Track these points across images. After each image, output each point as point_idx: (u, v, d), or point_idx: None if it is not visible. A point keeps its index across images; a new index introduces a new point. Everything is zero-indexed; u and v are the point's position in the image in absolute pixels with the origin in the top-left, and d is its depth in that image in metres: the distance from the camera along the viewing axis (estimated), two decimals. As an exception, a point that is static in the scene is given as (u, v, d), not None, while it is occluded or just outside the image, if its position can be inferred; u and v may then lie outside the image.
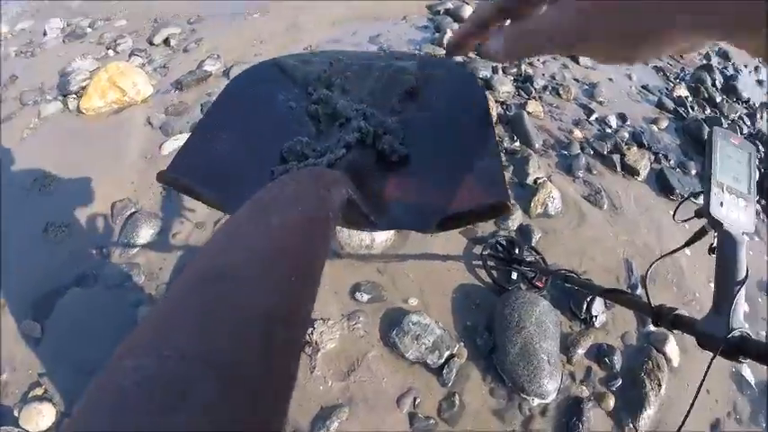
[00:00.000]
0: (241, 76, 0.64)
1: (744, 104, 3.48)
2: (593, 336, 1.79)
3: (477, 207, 0.45)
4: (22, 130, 2.64)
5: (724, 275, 0.84)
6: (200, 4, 3.92)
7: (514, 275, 1.87)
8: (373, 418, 1.57)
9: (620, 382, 1.70)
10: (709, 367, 0.82)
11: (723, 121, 3.11)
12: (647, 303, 0.99)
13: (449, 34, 3.16)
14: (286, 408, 0.23)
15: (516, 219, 2.13)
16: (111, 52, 3.31)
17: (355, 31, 3.48)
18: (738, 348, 0.77)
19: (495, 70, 3.00)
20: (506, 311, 1.72)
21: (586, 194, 2.34)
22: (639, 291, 1.93)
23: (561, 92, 3.02)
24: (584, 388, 1.68)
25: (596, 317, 1.82)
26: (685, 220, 1.08)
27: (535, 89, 2.99)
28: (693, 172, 2.61)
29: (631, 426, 1.62)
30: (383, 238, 1.95)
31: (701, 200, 0.93)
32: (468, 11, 3.59)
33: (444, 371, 1.62)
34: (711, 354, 0.80)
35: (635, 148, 2.66)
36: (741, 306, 0.81)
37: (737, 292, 0.81)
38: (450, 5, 3.74)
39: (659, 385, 1.67)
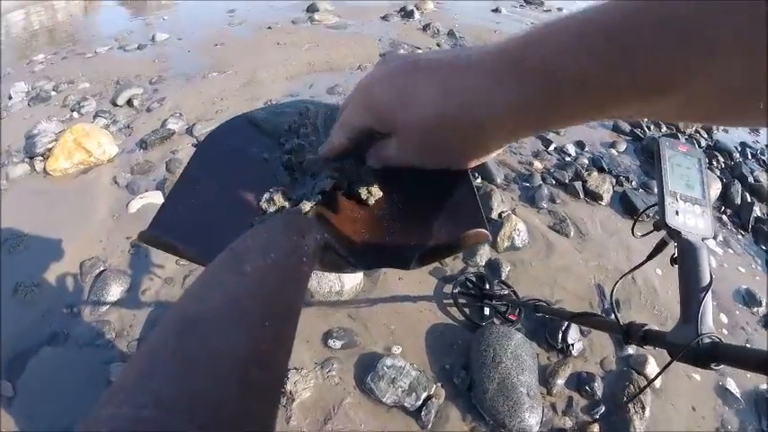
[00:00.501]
0: (214, 133, 0.64)
1: (698, 118, 3.58)
2: (571, 365, 1.78)
3: (456, 238, 0.45)
4: (-10, 192, 2.62)
5: (688, 283, 0.84)
6: (160, 65, 4.00)
7: (487, 311, 1.87)
8: (354, 466, 1.54)
9: (603, 408, 1.68)
10: (664, 368, 0.84)
11: (680, 136, 3.20)
12: (617, 322, 1.00)
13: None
14: None
15: (484, 254, 2.15)
16: (75, 114, 3.32)
17: (312, 84, 3.58)
18: (710, 354, 0.77)
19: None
20: (481, 347, 1.71)
21: (552, 224, 2.38)
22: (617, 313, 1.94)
23: (518, 126, 3.08)
24: (567, 419, 1.66)
25: (573, 345, 1.82)
26: (644, 235, 1.08)
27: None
28: (656, 190, 2.66)
29: (619, 452, 1.60)
30: (353, 283, 1.95)
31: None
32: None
33: (423, 413, 1.60)
34: (696, 368, 0.80)
35: (596, 173, 2.72)
36: (709, 312, 0.81)
37: (703, 298, 0.81)
38: (402, 52, 3.84)
39: (643, 408, 1.65)
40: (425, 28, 4.75)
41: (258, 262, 0.32)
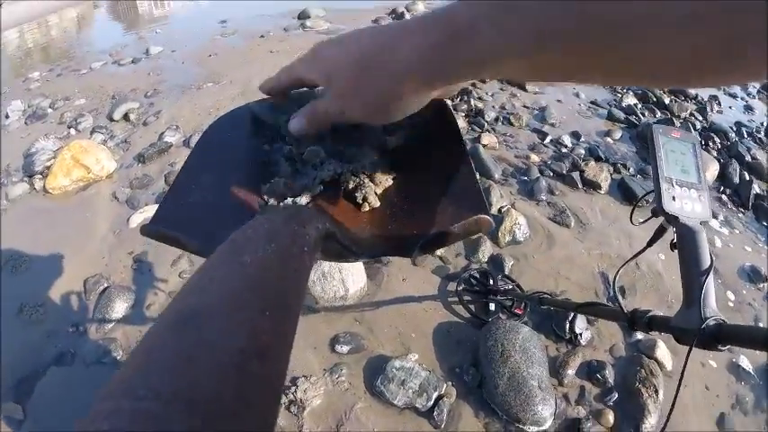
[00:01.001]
0: (214, 125, 0.64)
1: (692, 101, 3.58)
2: (580, 354, 1.78)
3: (458, 225, 0.45)
4: (-10, 212, 2.62)
5: (689, 267, 0.85)
6: (155, 78, 4.01)
7: (492, 306, 1.88)
8: (369, 470, 1.55)
9: (616, 395, 1.68)
10: (686, 361, 0.83)
11: (675, 120, 3.21)
12: (621, 310, 1.00)
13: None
14: None
15: (486, 250, 2.15)
16: (72, 131, 3.32)
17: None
18: (715, 337, 0.77)
19: (445, 109, 3.07)
20: (489, 343, 1.71)
21: (552, 216, 2.38)
22: (621, 300, 1.95)
23: (513, 120, 3.10)
24: (581, 408, 1.66)
25: (581, 334, 1.82)
26: (643, 222, 1.09)
27: (487, 122, 3.06)
28: (653, 176, 2.66)
29: (637, 437, 1.60)
30: (357, 287, 1.95)
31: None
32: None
33: (435, 413, 1.60)
34: (702, 350, 0.80)
35: (593, 162, 2.72)
36: (711, 294, 0.82)
37: (705, 281, 0.82)
38: None
39: (656, 392, 1.66)
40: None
41: (258, 252, 0.32)
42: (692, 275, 0.84)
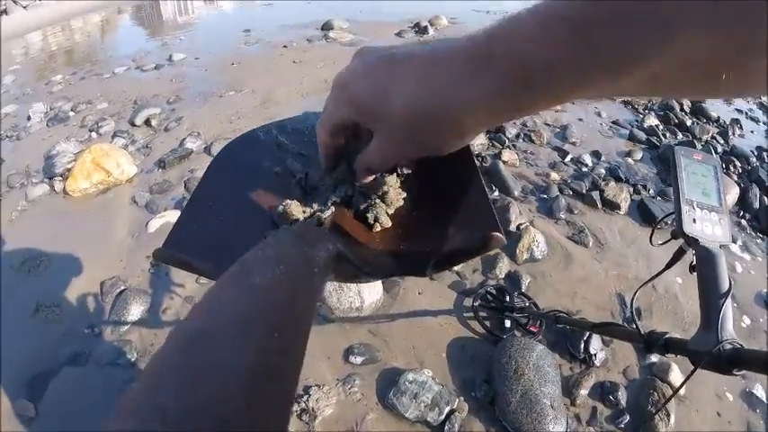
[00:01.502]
0: (227, 148, 0.64)
1: (714, 124, 3.55)
2: (594, 375, 1.77)
3: (471, 243, 0.45)
4: (10, 212, 2.66)
5: (707, 290, 0.84)
6: (177, 85, 4.06)
7: (507, 323, 1.87)
8: (378, 483, 1.54)
9: (627, 418, 1.66)
10: (688, 377, 0.82)
11: (696, 143, 3.18)
12: (638, 331, 0.99)
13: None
14: None
15: (503, 266, 2.14)
16: (94, 134, 3.37)
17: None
18: (731, 361, 0.76)
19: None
20: (503, 360, 1.70)
21: (570, 235, 2.37)
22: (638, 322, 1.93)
23: (534, 137, 3.09)
24: (592, 429, 1.64)
25: (595, 355, 1.80)
26: (662, 243, 1.08)
27: (508, 138, 3.06)
28: (673, 199, 2.63)
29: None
30: (373, 299, 1.95)
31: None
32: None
33: (446, 427, 1.59)
34: (719, 375, 0.79)
35: (613, 182, 2.70)
36: (729, 318, 0.81)
37: (723, 304, 0.81)
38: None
39: (668, 416, 1.64)
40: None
41: (267, 274, 0.31)
42: (711, 298, 0.83)
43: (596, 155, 3.01)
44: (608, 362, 1.83)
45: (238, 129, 3.24)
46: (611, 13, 0.27)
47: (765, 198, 2.74)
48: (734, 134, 3.45)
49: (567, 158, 2.94)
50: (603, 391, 1.73)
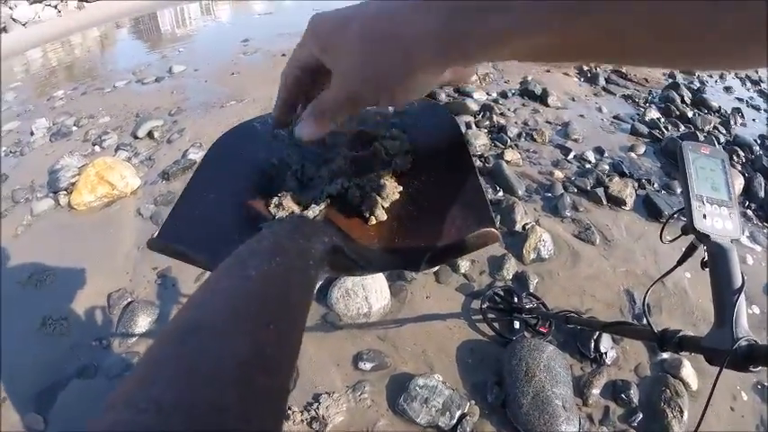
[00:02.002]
0: (222, 139, 0.65)
1: (716, 114, 3.55)
2: (605, 373, 1.76)
3: (465, 238, 0.45)
4: (15, 227, 2.67)
5: (720, 286, 0.84)
6: (178, 97, 4.07)
7: (517, 324, 1.86)
8: (392, 491, 1.53)
9: (640, 416, 1.65)
10: (716, 381, 0.81)
11: (699, 134, 3.17)
12: (650, 329, 0.99)
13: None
14: None
15: (511, 267, 2.13)
16: (97, 148, 3.38)
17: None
18: (747, 357, 0.76)
19: (468, 125, 3.08)
20: (513, 362, 1.69)
21: (577, 232, 2.36)
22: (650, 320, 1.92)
23: (536, 136, 3.09)
24: (605, 428, 1.63)
25: (606, 353, 1.79)
26: (672, 240, 1.08)
27: (510, 138, 3.06)
28: (679, 191, 2.63)
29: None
30: (380, 304, 1.95)
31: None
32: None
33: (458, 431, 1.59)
34: (729, 370, 0.79)
35: (617, 178, 2.70)
36: (743, 314, 0.80)
37: (737, 300, 0.80)
38: None
39: (681, 412, 1.63)
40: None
41: (263, 266, 0.31)
42: (724, 295, 0.83)
43: (599, 151, 3.01)
44: (619, 360, 1.82)
45: (241, 138, 3.26)
46: None
47: (770, 187, 2.73)
48: (736, 123, 3.45)
49: (570, 156, 2.94)
50: (615, 390, 1.72)
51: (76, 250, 2.44)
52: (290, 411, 1.62)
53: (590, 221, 2.42)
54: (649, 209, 2.54)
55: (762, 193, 2.69)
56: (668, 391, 1.69)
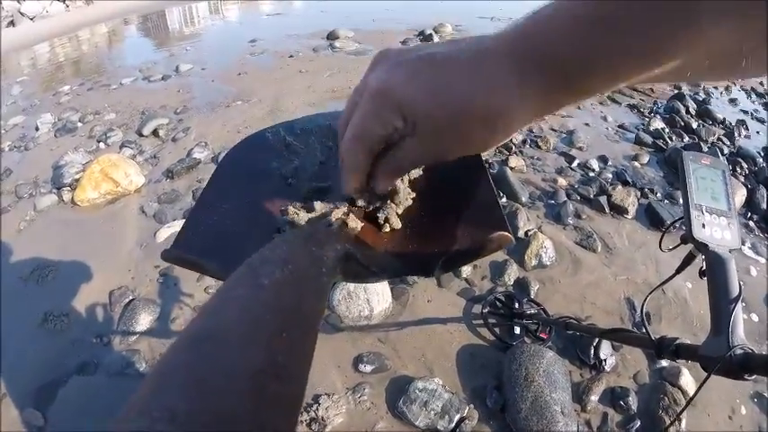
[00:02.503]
0: (235, 149, 0.64)
1: (720, 125, 3.55)
2: (604, 380, 1.76)
3: (479, 242, 0.45)
4: (18, 222, 2.68)
5: (717, 295, 0.84)
6: (184, 95, 4.09)
7: (517, 330, 1.86)
8: (389, 493, 1.53)
9: (638, 423, 1.66)
10: (702, 383, 0.82)
11: (703, 145, 3.17)
12: (648, 337, 0.99)
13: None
14: None
15: (512, 273, 2.14)
16: (102, 145, 3.39)
17: (335, 109, 3.57)
18: (742, 366, 0.76)
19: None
20: (513, 367, 1.69)
21: (578, 240, 2.36)
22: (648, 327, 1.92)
23: (540, 143, 3.10)
24: (602, 435, 1.64)
25: (605, 360, 1.79)
26: (672, 249, 1.08)
27: (514, 144, 3.07)
28: (681, 201, 2.62)
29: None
30: (382, 307, 1.95)
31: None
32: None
33: (456, 435, 1.59)
34: (731, 379, 0.79)
35: (620, 187, 2.70)
36: (740, 323, 0.81)
37: (733, 309, 0.81)
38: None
39: (679, 420, 1.64)
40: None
41: (276, 274, 0.31)
42: (721, 303, 0.83)
43: (603, 159, 3.01)
44: (618, 367, 1.82)
45: (246, 138, 3.27)
46: (639, 8, 0.28)
47: (773, 199, 2.73)
48: (740, 135, 3.45)
49: (574, 163, 2.95)
50: (614, 397, 1.72)
51: (79, 247, 2.45)
52: (289, 412, 1.63)
53: (592, 229, 2.42)
54: (651, 218, 2.54)
55: (764, 205, 2.69)
56: (666, 398, 1.69)
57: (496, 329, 1.89)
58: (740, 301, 0.82)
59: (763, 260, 2.37)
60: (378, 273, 0.45)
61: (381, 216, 0.49)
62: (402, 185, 0.52)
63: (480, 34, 0.37)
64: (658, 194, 2.73)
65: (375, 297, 1.94)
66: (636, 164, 2.99)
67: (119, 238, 2.51)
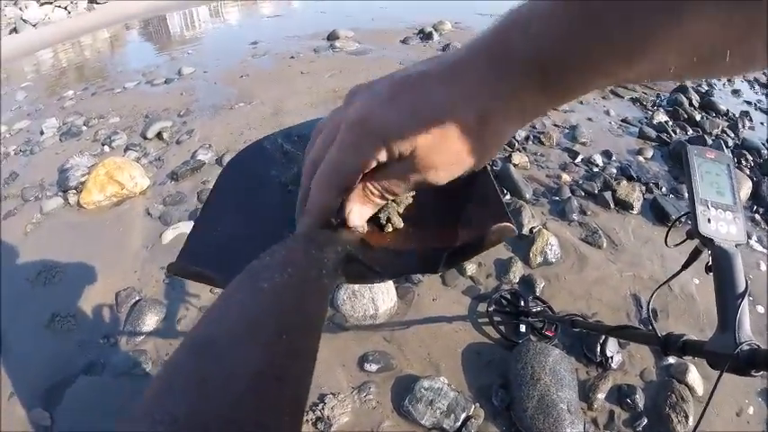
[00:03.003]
0: (234, 160, 0.65)
1: (724, 117, 3.53)
2: (611, 378, 1.75)
3: (482, 235, 0.44)
4: (25, 225, 2.70)
5: (724, 291, 0.83)
6: (187, 98, 4.10)
7: (523, 328, 1.85)
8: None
9: (645, 421, 1.64)
10: (716, 384, 0.80)
11: (707, 138, 3.14)
12: (655, 334, 0.98)
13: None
14: None
15: (517, 270, 2.13)
16: (106, 148, 3.41)
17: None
18: (749, 362, 0.75)
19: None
20: (519, 365, 1.69)
21: (584, 236, 2.36)
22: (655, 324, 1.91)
23: (543, 139, 3.09)
24: (610, 433, 1.63)
25: (612, 358, 1.78)
26: (678, 244, 1.07)
27: (517, 141, 3.06)
28: (686, 195, 2.61)
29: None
30: (387, 306, 1.95)
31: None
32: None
33: (463, 434, 1.59)
34: (733, 375, 0.78)
35: (624, 182, 2.69)
36: (746, 319, 0.80)
37: (740, 305, 0.80)
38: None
39: (686, 417, 1.62)
40: (445, 49, 4.77)
41: (275, 278, 0.31)
42: (727, 299, 0.82)
43: (607, 154, 3.00)
44: (625, 364, 1.81)
45: (249, 140, 3.23)
46: (617, 6, 0.28)
47: (779, 191, 2.71)
48: (744, 127, 3.42)
49: (578, 159, 2.93)
50: (621, 395, 1.72)
51: (85, 248, 2.46)
52: (295, 412, 1.63)
53: (597, 225, 2.41)
54: (657, 213, 2.53)
55: (770, 197, 2.67)
56: (674, 396, 1.68)
57: (502, 328, 1.89)
58: (747, 297, 0.81)
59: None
60: (381, 273, 0.45)
61: (383, 216, 0.49)
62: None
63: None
64: (663, 189, 2.71)
65: (380, 296, 1.94)
66: (640, 158, 2.98)
67: (124, 239, 2.52)
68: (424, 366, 1.79)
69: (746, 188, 2.66)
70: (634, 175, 2.79)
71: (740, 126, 3.39)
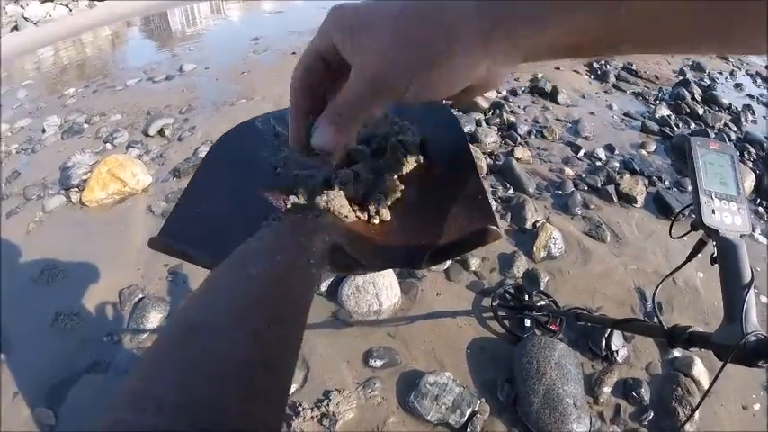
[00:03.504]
0: (224, 137, 0.64)
1: (726, 111, 3.53)
2: (617, 372, 1.75)
3: (466, 236, 0.44)
4: (27, 223, 2.69)
5: (729, 282, 0.84)
6: (189, 95, 4.09)
7: (527, 322, 1.85)
8: (402, 487, 1.53)
9: (651, 414, 1.65)
10: (719, 372, 0.81)
11: (709, 131, 3.15)
12: (660, 326, 0.99)
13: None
14: None
15: (521, 265, 2.13)
16: (108, 146, 3.39)
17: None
18: (755, 353, 0.76)
19: (478, 123, 3.08)
20: (524, 360, 1.69)
21: (587, 230, 2.35)
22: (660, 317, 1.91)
23: (546, 134, 3.09)
24: (616, 427, 1.63)
25: (617, 351, 1.78)
26: (682, 236, 1.07)
27: (520, 135, 3.05)
28: (689, 188, 2.61)
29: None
30: (391, 302, 1.95)
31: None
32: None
33: (468, 429, 1.58)
34: (745, 368, 0.78)
35: (627, 175, 2.69)
36: (753, 309, 0.80)
37: (746, 295, 0.80)
38: None
39: (692, 410, 1.62)
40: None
41: (264, 265, 0.31)
42: (733, 290, 0.83)
43: (609, 148, 3.00)
44: (630, 358, 1.81)
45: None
46: None
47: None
48: (746, 120, 3.43)
49: (581, 153, 2.93)
50: (626, 388, 1.72)
51: (88, 246, 2.46)
52: (300, 408, 1.63)
53: (601, 219, 2.41)
54: (660, 206, 2.53)
55: (773, 190, 2.67)
56: (680, 389, 1.68)
57: (506, 322, 1.88)
58: (752, 287, 0.82)
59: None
60: (366, 265, 0.45)
61: (372, 208, 0.49)
62: (391, 178, 0.52)
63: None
64: (666, 182, 2.71)
65: (384, 291, 1.94)
66: (643, 152, 2.97)
67: (127, 237, 2.52)
68: (428, 362, 1.78)
69: (750, 181, 2.66)
70: (637, 169, 2.79)
71: (743, 120, 3.39)
